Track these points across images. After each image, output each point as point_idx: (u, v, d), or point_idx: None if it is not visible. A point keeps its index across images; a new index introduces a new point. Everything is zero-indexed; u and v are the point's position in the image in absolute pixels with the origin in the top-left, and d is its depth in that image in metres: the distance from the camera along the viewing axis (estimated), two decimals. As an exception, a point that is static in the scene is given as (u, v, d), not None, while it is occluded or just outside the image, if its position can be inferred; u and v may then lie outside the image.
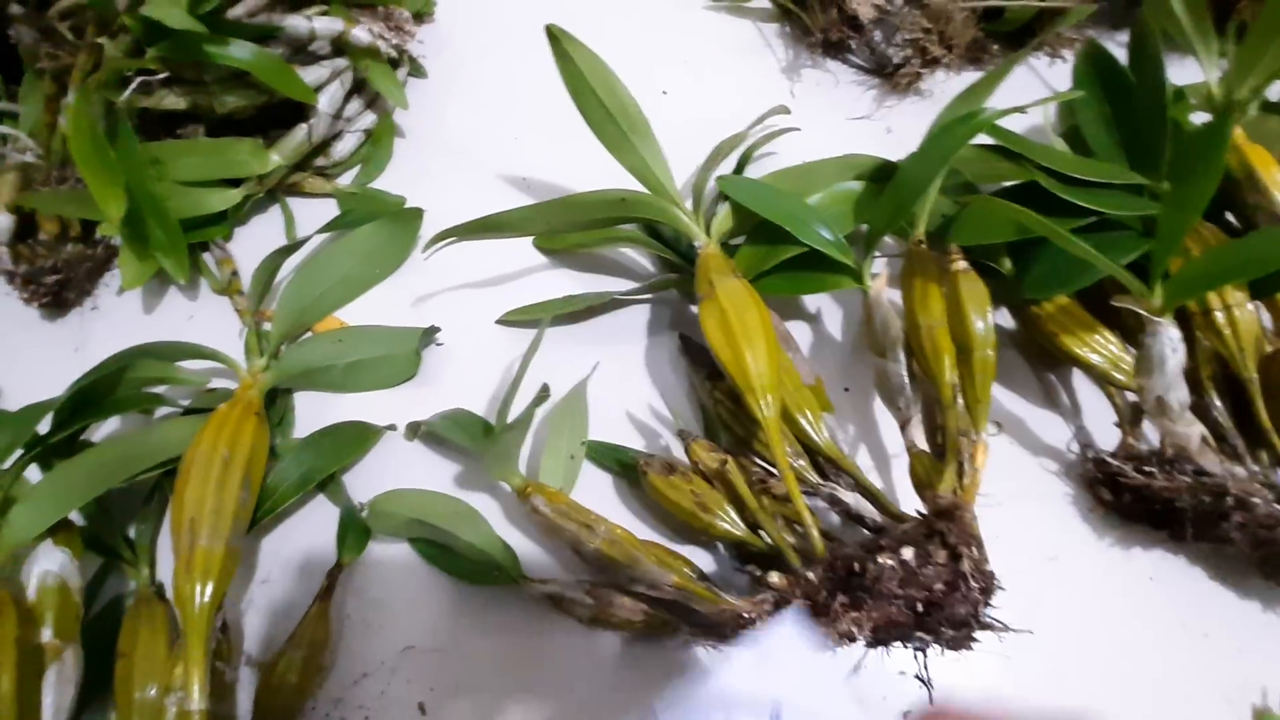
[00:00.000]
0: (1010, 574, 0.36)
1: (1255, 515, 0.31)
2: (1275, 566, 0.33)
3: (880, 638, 0.28)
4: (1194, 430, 0.32)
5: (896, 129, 0.48)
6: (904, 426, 0.33)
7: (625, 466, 0.36)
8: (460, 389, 0.40)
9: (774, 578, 0.29)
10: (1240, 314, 0.33)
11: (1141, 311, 0.30)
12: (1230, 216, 0.40)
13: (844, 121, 0.49)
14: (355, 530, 0.35)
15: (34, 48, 0.38)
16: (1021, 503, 0.38)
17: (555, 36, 0.36)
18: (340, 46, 0.43)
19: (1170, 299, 0.30)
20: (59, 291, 0.41)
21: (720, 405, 0.36)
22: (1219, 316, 0.34)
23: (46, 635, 0.28)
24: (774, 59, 0.51)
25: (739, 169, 0.44)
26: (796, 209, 0.37)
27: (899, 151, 0.46)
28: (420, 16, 0.51)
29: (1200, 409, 0.35)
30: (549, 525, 0.32)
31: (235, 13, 0.39)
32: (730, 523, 0.33)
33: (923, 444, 0.33)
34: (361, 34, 0.42)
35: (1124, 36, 0.46)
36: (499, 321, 0.42)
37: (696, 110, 0.49)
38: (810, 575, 0.28)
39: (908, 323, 0.34)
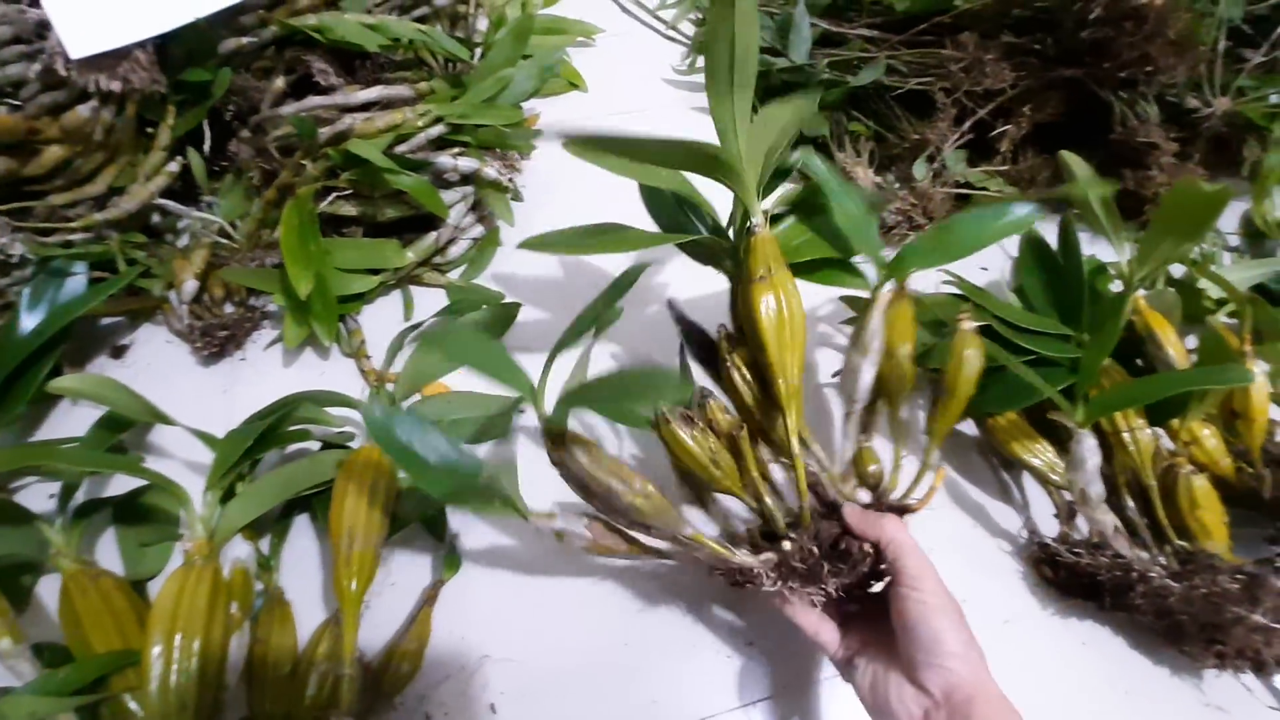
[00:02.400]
0: (978, 633, 0.46)
1: (1152, 587, 0.41)
2: (1175, 632, 0.43)
3: (845, 595, 0.37)
4: (1109, 519, 0.42)
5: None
6: (846, 417, 0.41)
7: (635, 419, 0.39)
8: (532, 451, 0.50)
9: (785, 545, 0.36)
10: (1141, 436, 0.45)
11: (1069, 424, 0.41)
12: (1140, 362, 0.53)
13: (848, 263, 0.62)
14: (454, 554, 0.44)
15: (249, 162, 0.50)
16: (981, 576, 0.48)
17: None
18: (468, 177, 0.56)
19: (1088, 416, 0.41)
20: (224, 344, 0.51)
21: (726, 381, 0.41)
22: (1126, 437, 0.45)
23: (234, 608, 0.36)
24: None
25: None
26: (861, 216, 0.43)
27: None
28: (523, 153, 0.65)
29: (1117, 508, 0.46)
30: (584, 476, 0.35)
31: (401, 149, 0.52)
32: (733, 482, 0.37)
33: (854, 439, 0.41)
34: (490, 171, 0.55)
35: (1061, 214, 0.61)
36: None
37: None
38: (808, 543, 0.36)
39: (888, 340, 0.41)
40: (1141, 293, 0.54)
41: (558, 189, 0.66)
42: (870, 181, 0.60)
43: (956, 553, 0.49)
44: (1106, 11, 0.53)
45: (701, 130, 0.72)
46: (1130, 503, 0.46)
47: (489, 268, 0.59)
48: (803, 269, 0.43)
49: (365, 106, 0.52)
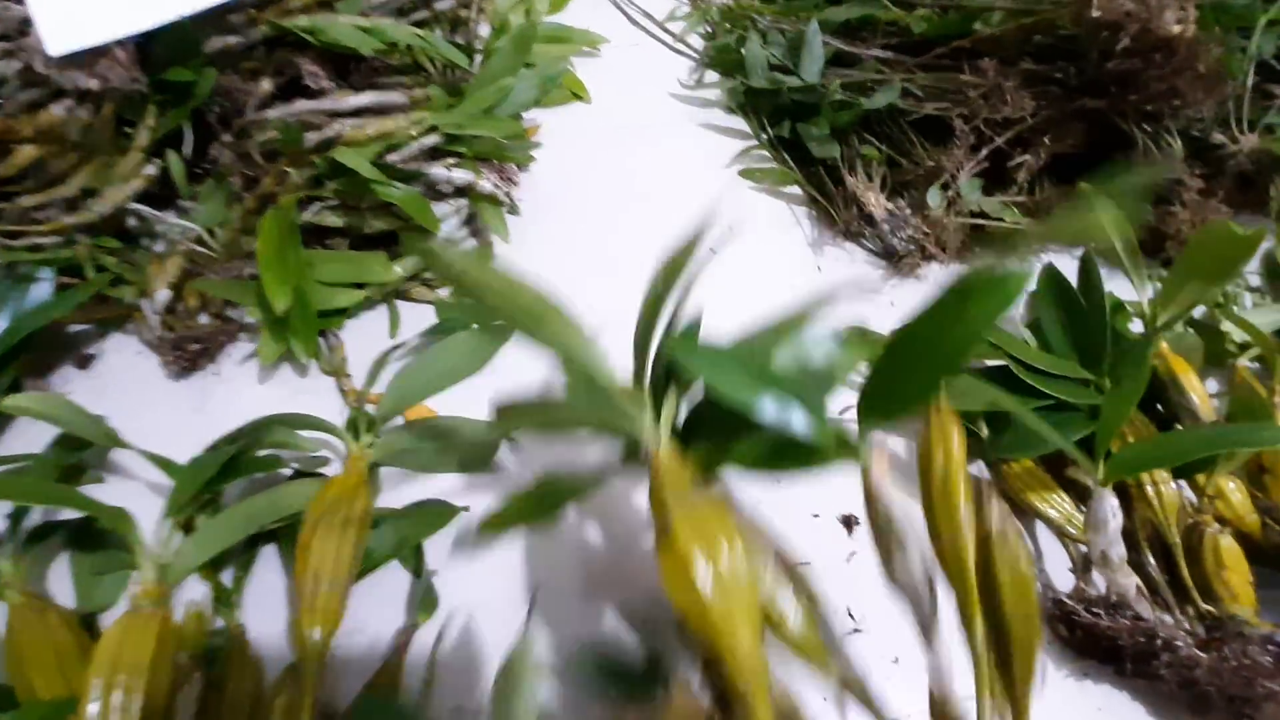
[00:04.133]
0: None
1: (1178, 657, 0.38)
2: (1201, 705, 0.40)
3: None
4: (1130, 581, 0.39)
5: (899, 303, 0.59)
6: (925, 637, 0.28)
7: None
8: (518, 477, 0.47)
9: None
10: (1165, 490, 0.42)
11: (1088, 483, 0.39)
12: (1160, 408, 0.50)
13: (858, 294, 0.60)
14: (429, 595, 0.41)
15: (230, 167, 0.47)
16: (993, 631, 0.45)
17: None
18: (462, 190, 0.54)
19: (1110, 474, 0.39)
20: (196, 358, 0.48)
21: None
22: (1149, 490, 0.43)
23: (182, 657, 0.33)
24: (802, 235, 0.63)
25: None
26: (765, 380, 0.28)
27: (898, 321, 0.56)
28: (521, 166, 0.62)
29: (1137, 564, 0.43)
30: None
31: (392, 158, 0.49)
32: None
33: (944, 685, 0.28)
34: (485, 184, 0.52)
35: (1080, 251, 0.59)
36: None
37: (741, 267, 0.60)
38: None
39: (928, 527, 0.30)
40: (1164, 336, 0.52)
41: (556, 204, 0.63)
42: (882, 208, 0.58)
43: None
44: (1135, 42, 0.51)
45: (707, 148, 0.69)
46: (1152, 560, 0.43)
47: (482, 284, 0.56)
48: (758, 456, 0.30)
49: (356, 113, 0.49)
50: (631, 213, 0.63)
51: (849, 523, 0.48)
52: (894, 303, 0.59)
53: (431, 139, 0.50)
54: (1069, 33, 0.55)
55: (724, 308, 0.58)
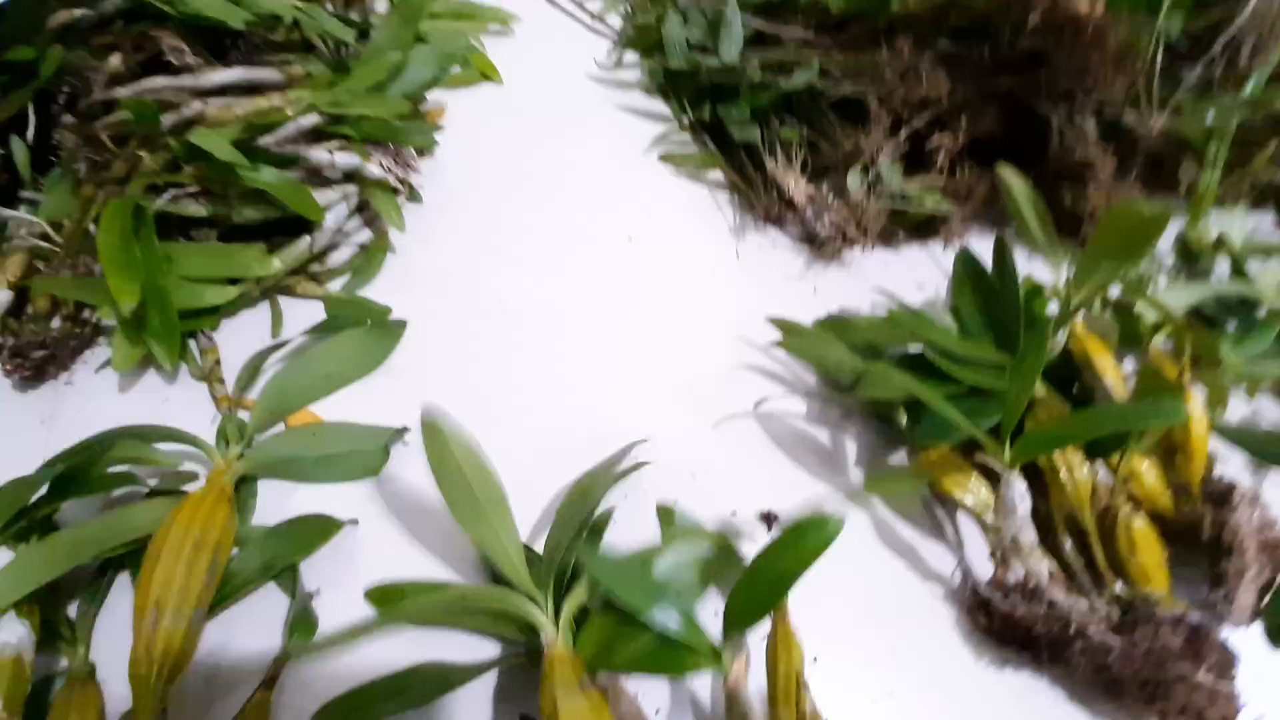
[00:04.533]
0: (900, 689, 0.41)
1: (1091, 643, 0.37)
2: (1115, 690, 0.39)
3: None
4: (1043, 566, 0.38)
5: (821, 290, 0.57)
6: None
7: None
8: (419, 487, 0.43)
9: None
10: (1078, 473, 0.42)
11: (995, 465, 0.37)
12: (1076, 391, 0.50)
13: (780, 280, 0.58)
14: (306, 621, 0.37)
15: (75, 151, 0.42)
16: (910, 625, 0.43)
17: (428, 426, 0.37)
18: (350, 175, 0.49)
19: (1017, 457, 0.37)
20: (42, 365, 0.43)
21: None
22: (1062, 473, 0.42)
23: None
24: (724, 221, 0.61)
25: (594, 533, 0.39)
26: (654, 591, 0.33)
27: (821, 308, 0.55)
28: (422, 150, 0.58)
29: (1054, 547, 0.42)
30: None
31: (265, 140, 0.45)
32: None
33: None
34: (374, 168, 0.48)
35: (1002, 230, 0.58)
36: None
37: (658, 256, 0.57)
38: None
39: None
40: (1080, 317, 0.51)
41: (465, 191, 0.60)
42: (803, 192, 0.56)
43: (882, 599, 0.44)
44: (1044, 20, 0.50)
45: (626, 132, 0.66)
46: (1069, 544, 0.42)
47: (378, 278, 0.52)
48: (636, 658, 0.33)
49: (222, 90, 0.45)
50: (546, 200, 0.60)
51: (769, 519, 0.46)
52: (817, 289, 0.57)
53: (311, 119, 0.46)
54: (982, 11, 0.54)
55: (642, 298, 0.56)
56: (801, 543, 0.34)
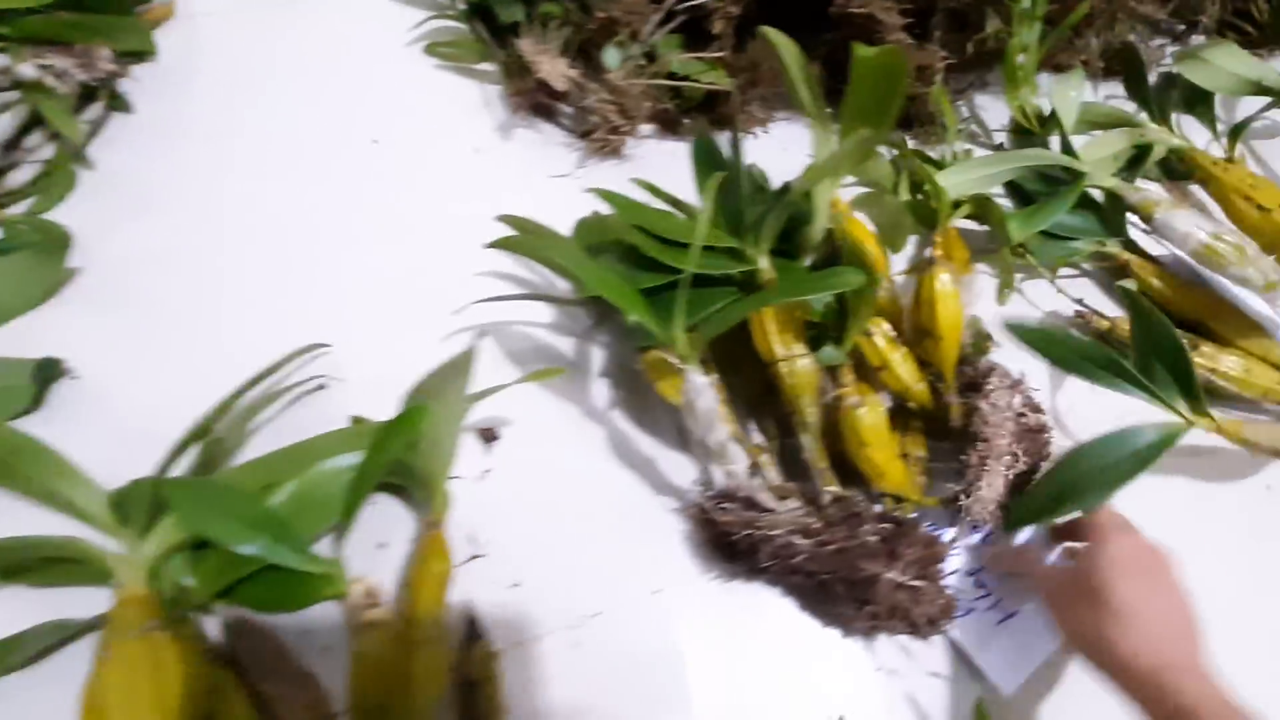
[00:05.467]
0: (617, 607, 0.38)
1: (774, 547, 0.34)
2: (826, 596, 0.36)
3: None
4: (740, 467, 0.35)
5: (601, 183, 0.52)
6: None
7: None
8: (100, 419, 0.39)
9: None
10: (798, 364, 0.37)
11: (670, 359, 0.33)
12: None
13: (548, 179, 0.52)
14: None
15: None
16: (636, 541, 0.40)
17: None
18: (16, 81, 0.43)
19: (690, 346, 0.33)
20: None
21: None
22: (783, 366, 0.37)
23: None
24: (491, 118, 0.54)
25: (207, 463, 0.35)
26: (253, 516, 0.31)
27: (592, 209, 0.49)
28: (140, 55, 0.52)
29: (794, 448, 0.39)
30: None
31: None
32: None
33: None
34: (28, 70, 0.42)
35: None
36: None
37: (407, 159, 0.52)
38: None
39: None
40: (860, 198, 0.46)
41: (192, 98, 0.52)
42: (561, 75, 0.49)
43: (610, 516, 0.41)
44: None
45: (387, 20, 0.59)
46: (808, 443, 0.39)
47: (78, 198, 0.47)
48: (257, 592, 0.31)
49: None
50: (283, 102, 0.53)
51: (488, 436, 0.42)
52: (587, 186, 0.52)
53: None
54: None
55: (383, 206, 0.50)
56: (393, 439, 0.31)
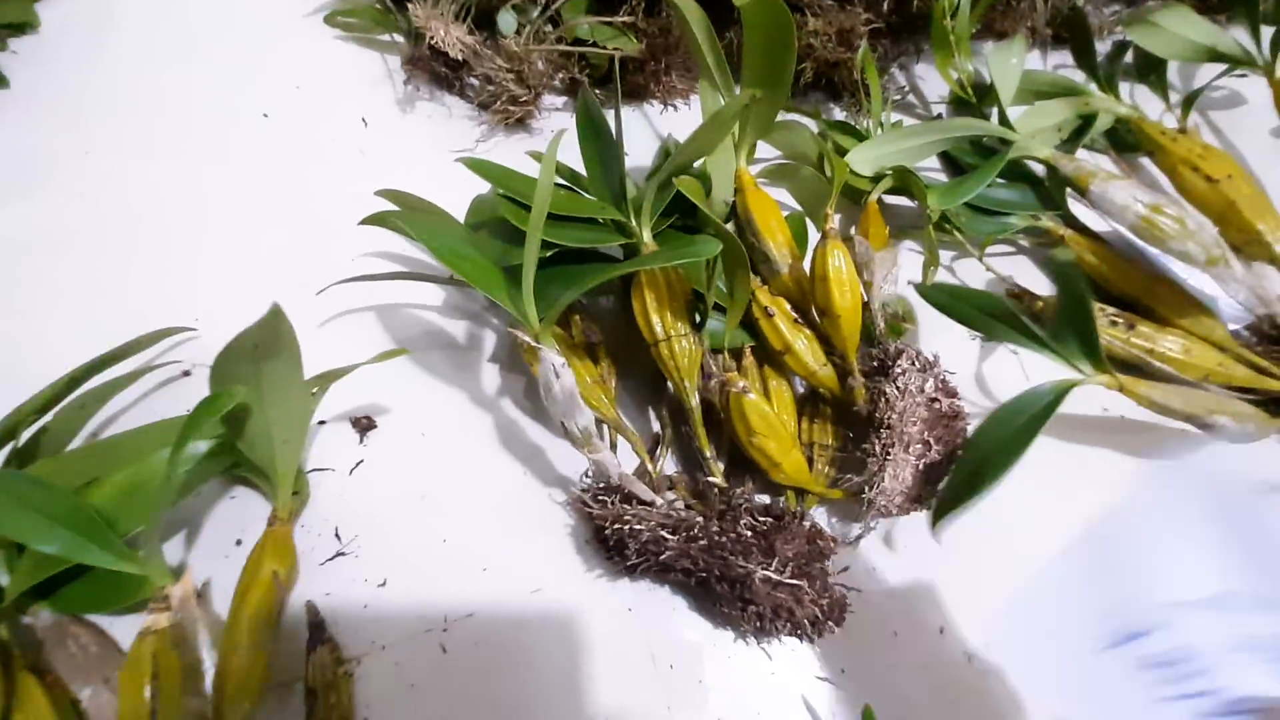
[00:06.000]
0: (492, 607, 0.36)
1: (639, 543, 0.31)
2: (709, 592, 0.34)
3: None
4: (602, 456, 0.32)
5: (502, 161, 0.49)
6: None
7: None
8: None
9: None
10: (680, 344, 0.35)
11: (523, 337, 0.30)
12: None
13: (449, 154, 0.49)
14: None
15: None
16: (518, 538, 0.37)
17: None
18: None
19: (545, 325, 0.30)
20: None
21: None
22: (664, 348, 0.35)
23: None
24: (393, 91, 0.51)
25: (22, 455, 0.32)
26: (58, 511, 0.28)
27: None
28: (21, 28, 0.49)
29: (686, 437, 0.36)
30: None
31: None
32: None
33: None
34: None
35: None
36: None
37: (300, 135, 0.49)
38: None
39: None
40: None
41: (76, 72, 0.50)
42: (458, 42, 0.47)
43: (492, 510, 0.38)
44: None
45: None
46: (699, 431, 0.36)
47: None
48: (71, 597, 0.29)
49: None
50: (182, 73, 0.51)
51: (362, 426, 0.39)
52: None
53: None
54: None
55: (272, 183, 0.47)
56: (190, 429, 0.28)
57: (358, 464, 0.38)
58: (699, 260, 0.33)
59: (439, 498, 0.38)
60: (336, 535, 0.36)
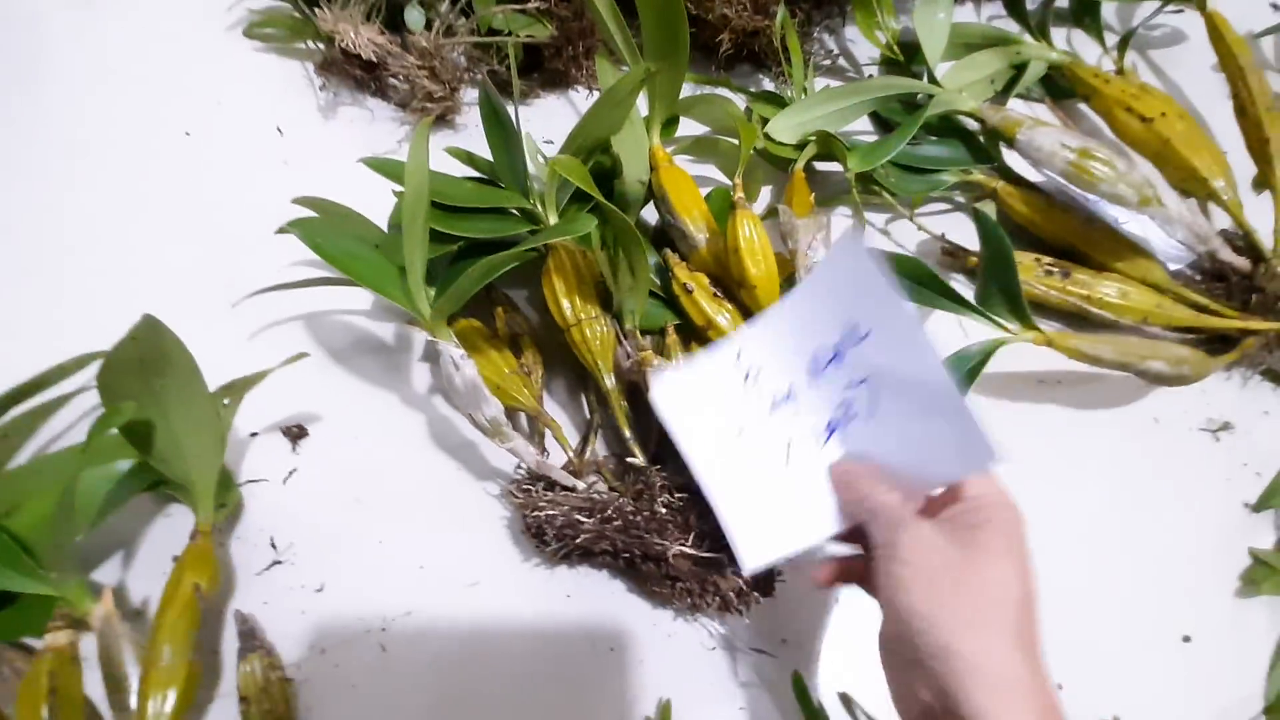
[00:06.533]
0: (429, 604, 0.36)
1: (556, 528, 0.31)
2: (638, 573, 0.34)
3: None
4: (516, 444, 0.32)
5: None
6: None
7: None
8: None
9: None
10: (593, 328, 0.34)
11: (420, 328, 0.30)
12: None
13: (373, 157, 0.49)
14: None
15: None
16: (455, 530, 0.38)
17: None
18: None
19: (437, 314, 0.30)
20: None
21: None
22: (574, 332, 0.35)
23: None
24: (314, 98, 0.51)
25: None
26: None
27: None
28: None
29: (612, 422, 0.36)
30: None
31: None
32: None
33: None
34: None
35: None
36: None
37: (221, 150, 0.48)
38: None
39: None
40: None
41: None
42: (368, 43, 0.46)
43: (427, 508, 0.38)
44: None
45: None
46: (625, 415, 0.36)
47: None
48: None
49: None
50: (104, 93, 0.50)
51: (294, 435, 0.39)
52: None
53: None
54: None
55: (195, 200, 0.47)
56: (90, 446, 0.28)
57: (291, 473, 0.38)
58: (593, 242, 0.32)
59: (373, 500, 0.38)
60: (272, 544, 0.37)
